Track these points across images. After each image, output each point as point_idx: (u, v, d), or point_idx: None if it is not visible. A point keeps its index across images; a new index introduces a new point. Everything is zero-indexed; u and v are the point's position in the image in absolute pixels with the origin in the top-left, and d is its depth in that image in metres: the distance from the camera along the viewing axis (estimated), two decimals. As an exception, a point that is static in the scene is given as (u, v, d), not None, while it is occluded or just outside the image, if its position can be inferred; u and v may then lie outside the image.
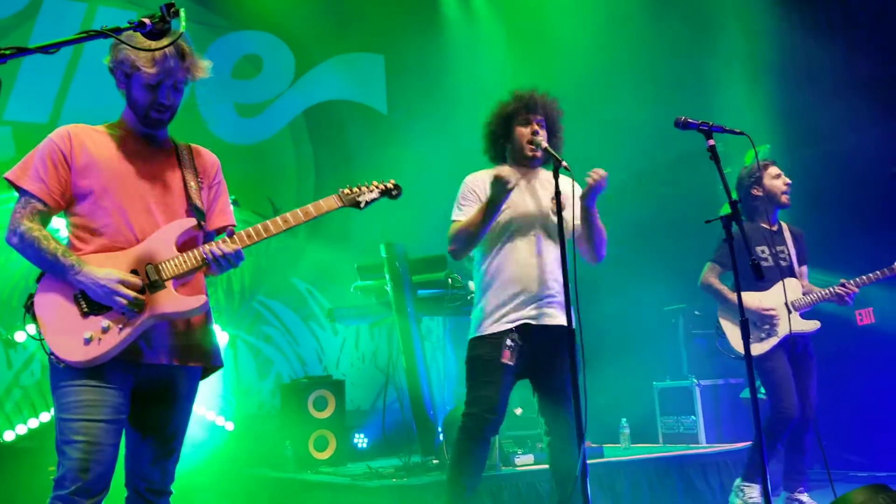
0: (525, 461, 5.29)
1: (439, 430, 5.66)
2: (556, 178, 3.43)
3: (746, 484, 4.75)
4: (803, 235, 5.14)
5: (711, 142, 3.49)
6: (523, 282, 3.74)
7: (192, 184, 2.73)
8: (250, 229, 2.68)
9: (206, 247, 2.61)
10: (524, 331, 3.72)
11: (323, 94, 8.31)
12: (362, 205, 2.91)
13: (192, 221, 2.67)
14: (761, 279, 4.70)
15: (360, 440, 7.02)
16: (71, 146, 2.61)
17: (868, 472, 6.25)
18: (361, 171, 7.88)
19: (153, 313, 2.53)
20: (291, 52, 8.23)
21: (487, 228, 3.73)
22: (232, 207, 2.94)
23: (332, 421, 6.35)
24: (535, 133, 3.78)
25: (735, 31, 7.20)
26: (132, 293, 2.48)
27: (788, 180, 4.94)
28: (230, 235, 2.66)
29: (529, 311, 3.73)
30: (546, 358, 3.78)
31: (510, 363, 3.68)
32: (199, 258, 2.60)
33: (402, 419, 6.39)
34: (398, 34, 8.16)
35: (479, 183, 3.85)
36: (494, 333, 3.72)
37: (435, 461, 5.29)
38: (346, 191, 2.90)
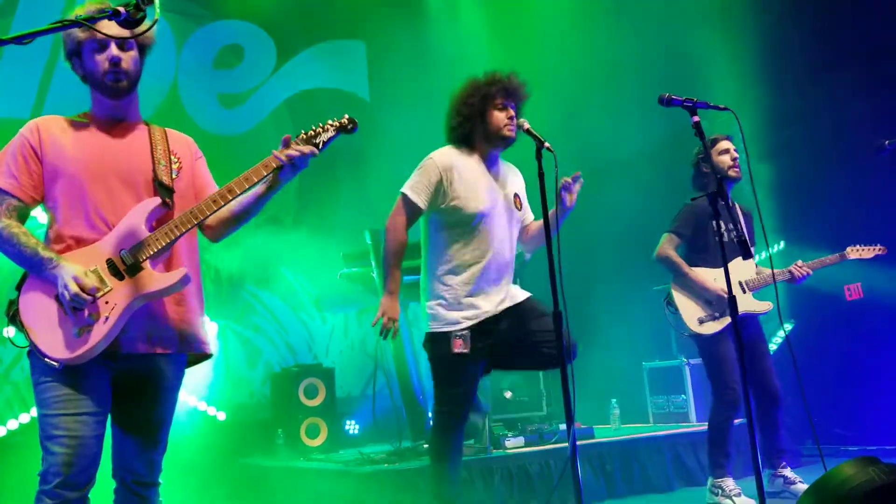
0: (516, 444, 5.32)
1: (429, 414, 5.67)
2: (538, 159, 3.41)
3: (719, 479, 4.62)
4: (752, 215, 4.98)
5: (696, 118, 3.47)
6: (488, 273, 3.75)
7: (163, 161, 2.71)
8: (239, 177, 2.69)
9: (277, 153, 2.67)
10: (485, 324, 3.72)
11: (305, 82, 8.29)
12: (320, 146, 2.75)
13: (157, 200, 2.63)
14: (747, 258, 4.71)
15: (352, 426, 7.04)
16: (40, 139, 2.60)
17: (858, 447, 6.31)
18: (344, 157, 7.89)
19: (137, 295, 2.51)
20: (273, 41, 8.19)
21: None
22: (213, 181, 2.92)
23: (322, 408, 6.38)
24: (511, 118, 3.78)
25: (716, 11, 7.20)
26: (74, 289, 2.42)
27: (736, 154, 4.78)
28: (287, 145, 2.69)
29: (491, 302, 3.74)
30: (515, 327, 3.78)
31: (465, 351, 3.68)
32: (171, 232, 2.58)
33: (391, 405, 6.41)
34: (379, 21, 8.13)
35: (446, 170, 3.76)
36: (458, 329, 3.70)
37: (425, 445, 5.30)
38: (302, 135, 2.76)
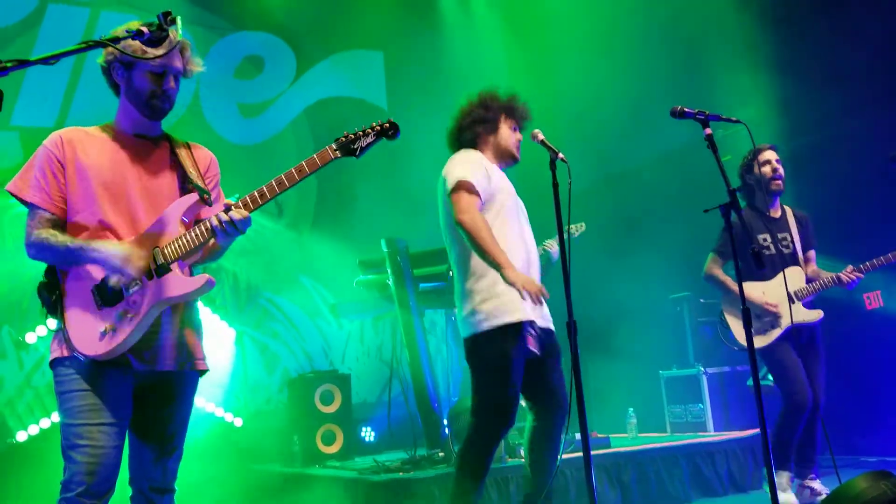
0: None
1: (444, 422, 5.70)
2: (552, 169, 3.45)
3: (783, 470, 4.69)
4: (808, 219, 5.05)
5: (708, 130, 3.48)
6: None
7: (193, 171, 2.76)
8: (246, 197, 2.63)
9: (213, 217, 2.56)
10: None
11: (324, 91, 8.37)
12: (358, 152, 2.69)
13: (194, 196, 2.67)
14: (762, 268, 4.73)
15: (367, 433, 7.06)
16: (64, 151, 2.64)
17: (878, 457, 6.26)
18: (362, 166, 7.96)
19: (162, 297, 2.56)
20: (292, 52, 8.27)
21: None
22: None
23: (338, 415, 6.40)
24: (520, 141, 3.88)
25: (733, 22, 7.20)
26: (133, 271, 2.52)
27: (777, 166, 4.85)
28: (227, 210, 2.58)
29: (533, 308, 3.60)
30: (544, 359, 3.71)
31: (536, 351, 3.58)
32: (203, 233, 2.59)
33: (407, 412, 6.44)
34: (397, 32, 8.20)
35: (487, 164, 3.75)
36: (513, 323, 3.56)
37: (441, 454, 5.33)
38: (341, 139, 2.69)
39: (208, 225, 2.57)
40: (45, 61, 1.78)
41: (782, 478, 4.68)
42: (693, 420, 6.72)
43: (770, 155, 4.89)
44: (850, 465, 5.98)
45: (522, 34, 8.30)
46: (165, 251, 2.58)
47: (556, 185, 3.40)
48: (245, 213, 2.57)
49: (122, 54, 2.60)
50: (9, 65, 1.69)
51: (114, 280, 2.53)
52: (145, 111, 2.70)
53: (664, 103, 3.80)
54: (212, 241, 2.62)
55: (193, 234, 2.59)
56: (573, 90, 7.32)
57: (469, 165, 3.67)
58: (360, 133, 2.72)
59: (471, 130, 3.87)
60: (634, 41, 7.51)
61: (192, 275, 2.70)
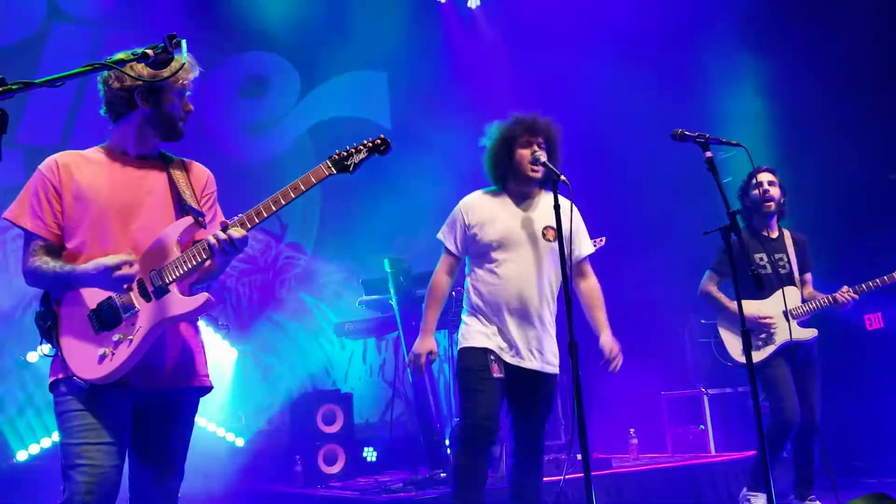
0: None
1: (446, 443, 5.69)
2: (554, 191, 3.48)
3: (752, 493, 4.73)
4: (806, 242, 5.09)
5: (708, 154, 3.51)
6: (508, 311, 3.77)
7: (187, 191, 2.76)
8: (243, 215, 2.63)
9: (210, 236, 2.58)
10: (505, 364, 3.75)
11: (328, 111, 8.39)
12: (352, 168, 2.73)
13: (189, 220, 2.67)
14: (762, 290, 4.74)
15: (370, 454, 7.04)
16: (59, 177, 2.65)
17: (877, 479, 6.23)
18: (365, 186, 7.98)
19: (161, 318, 2.57)
20: (297, 72, 8.32)
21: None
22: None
23: (340, 435, 6.39)
24: (534, 153, 3.80)
25: (734, 44, 7.26)
26: (126, 269, 2.53)
27: (768, 188, 4.87)
28: (224, 229, 2.59)
29: (511, 347, 3.76)
30: (525, 399, 3.80)
31: (499, 376, 3.71)
32: (200, 253, 2.60)
33: (409, 432, 6.42)
34: (401, 52, 8.25)
35: (468, 210, 3.92)
36: (481, 348, 3.75)
37: (443, 474, 5.32)
38: (334, 156, 2.74)
39: (205, 244, 2.58)
40: (52, 84, 1.80)
41: (759, 499, 4.64)
42: (694, 440, 6.71)
43: (763, 177, 4.91)
44: (851, 486, 5.95)
45: (528, 56, 8.35)
46: (163, 272, 2.59)
47: (557, 208, 3.42)
48: (242, 231, 2.58)
49: (152, 81, 2.59)
50: (14, 87, 1.71)
51: (120, 273, 2.52)
52: (172, 134, 2.73)
53: (665, 124, 3.83)
54: (209, 261, 2.63)
55: (190, 255, 2.60)
56: (580, 109, 7.36)
57: (444, 227, 4.01)
58: (353, 150, 2.77)
59: (496, 170, 3.95)
60: (639, 60, 7.56)
61: (191, 294, 2.70)
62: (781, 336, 4.75)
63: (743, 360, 4.68)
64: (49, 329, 2.61)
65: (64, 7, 7.22)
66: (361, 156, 2.76)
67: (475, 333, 3.80)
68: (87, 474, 2.48)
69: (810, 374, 4.81)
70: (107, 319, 2.56)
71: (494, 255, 3.81)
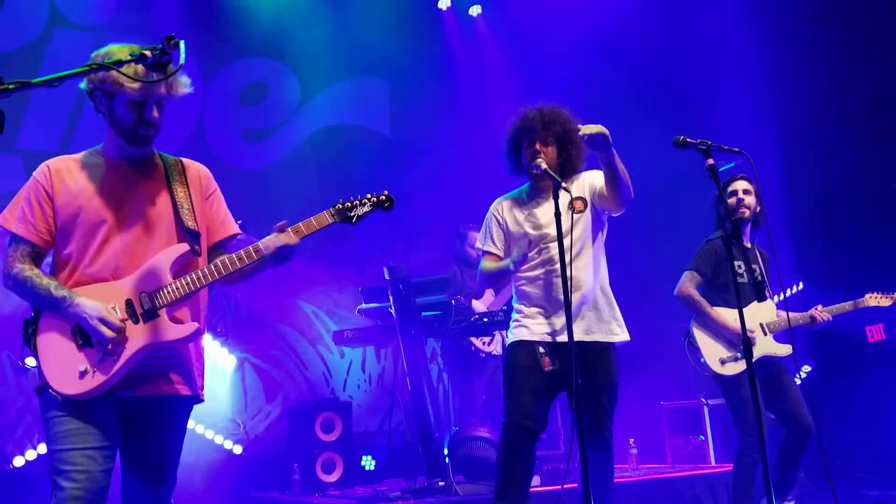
0: (532, 483, 5.26)
1: (445, 451, 5.66)
2: (555, 199, 3.45)
3: None
4: (767, 256, 4.91)
5: (710, 161, 3.47)
6: (546, 297, 3.77)
7: (185, 205, 2.71)
8: (241, 252, 2.65)
9: (260, 244, 2.64)
10: (552, 346, 3.71)
11: (328, 118, 8.38)
12: (354, 219, 2.78)
13: (185, 247, 2.64)
14: (763, 300, 4.71)
15: (368, 462, 7.02)
16: (52, 182, 2.62)
17: (879, 490, 6.20)
18: (364, 193, 7.96)
19: (148, 342, 2.54)
20: (297, 79, 8.31)
21: (508, 277, 3.86)
22: (231, 216, 2.92)
23: (339, 443, 6.37)
24: (534, 155, 3.77)
25: (739, 53, 7.26)
26: (109, 333, 2.48)
27: (742, 196, 4.71)
28: (254, 245, 2.65)
29: (553, 325, 3.73)
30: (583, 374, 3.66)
31: (551, 369, 3.66)
32: (193, 283, 2.59)
33: (408, 441, 6.39)
34: (402, 59, 8.25)
35: (497, 212, 3.99)
36: (527, 341, 3.74)
37: (441, 483, 5.29)
38: (338, 206, 2.77)
39: (198, 274, 2.59)
40: (49, 84, 1.79)
41: None
42: (694, 451, 6.68)
43: (737, 185, 4.77)
44: (853, 498, 5.92)
45: (528, 61, 8.36)
46: (155, 297, 2.56)
47: (558, 216, 3.40)
48: (295, 238, 2.68)
49: (103, 83, 2.56)
50: (11, 86, 1.70)
51: (105, 328, 2.49)
52: (129, 140, 2.65)
53: (665, 134, 3.81)
54: (204, 289, 2.64)
55: (185, 283, 2.58)
56: (580, 111, 7.35)
57: (482, 235, 4.07)
58: (357, 202, 2.81)
59: (511, 165, 3.98)
60: (640, 68, 7.56)
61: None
62: (759, 350, 4.59)
63: (722, 371, 4.60)
64: (30, 336, 2.59)
65: (66, 13, 7.22)
66: (365, 209, 2.82)
67: (520, 328, 3.80)
68: (75, 480, 2.44)
69: (787, 381, 4.66)
70: (91, 336, 2.53)
71: (535, 253, 3.83)
